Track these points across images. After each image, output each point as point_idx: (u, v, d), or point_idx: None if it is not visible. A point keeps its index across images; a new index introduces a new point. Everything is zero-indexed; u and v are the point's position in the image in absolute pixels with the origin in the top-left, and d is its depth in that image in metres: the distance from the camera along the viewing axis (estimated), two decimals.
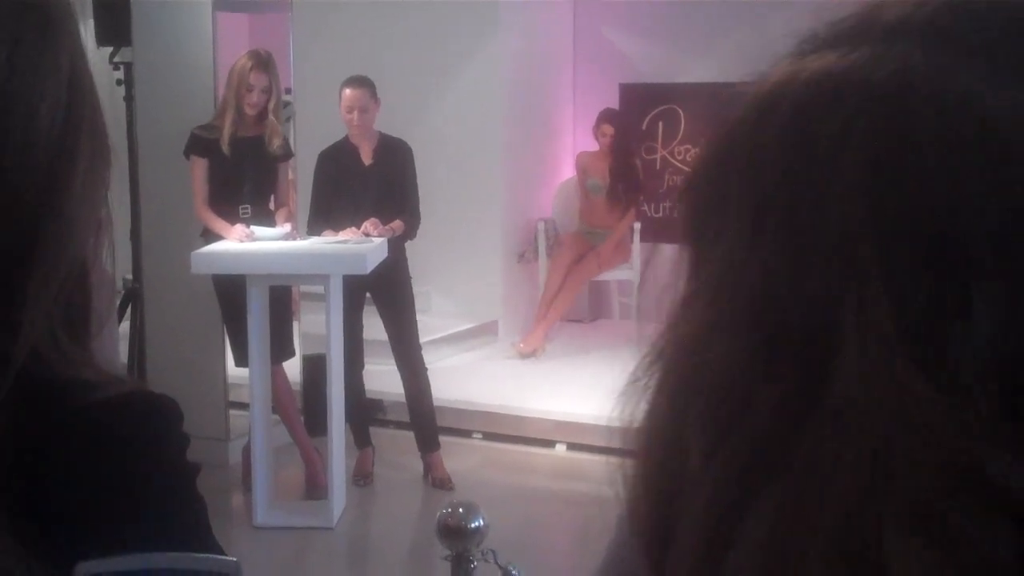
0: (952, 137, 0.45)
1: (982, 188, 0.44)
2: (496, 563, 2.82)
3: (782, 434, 0.46)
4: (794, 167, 0.47)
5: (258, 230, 5.33)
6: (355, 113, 5.61)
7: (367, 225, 5.52)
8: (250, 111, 5.37)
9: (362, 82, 5.65)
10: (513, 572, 2.81)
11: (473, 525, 2.71)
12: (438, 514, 2.72)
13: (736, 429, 0.47)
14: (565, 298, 7.87)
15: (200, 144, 5.39)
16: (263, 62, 5.39)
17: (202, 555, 0.66)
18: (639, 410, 0.53)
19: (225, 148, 5.33)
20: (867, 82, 0.47)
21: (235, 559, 0.66)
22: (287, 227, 5.49)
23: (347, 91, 5.64)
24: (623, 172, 7.94)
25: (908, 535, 0.43)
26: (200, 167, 5.40)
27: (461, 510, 2.73)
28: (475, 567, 2.77)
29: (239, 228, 5.30)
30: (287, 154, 5.65)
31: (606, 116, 8.03)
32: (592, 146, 8.20)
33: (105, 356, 0.76)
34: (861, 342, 0.45)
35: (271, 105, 5.41)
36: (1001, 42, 0.47)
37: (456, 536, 2.72)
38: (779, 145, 0.48)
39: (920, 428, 0.43)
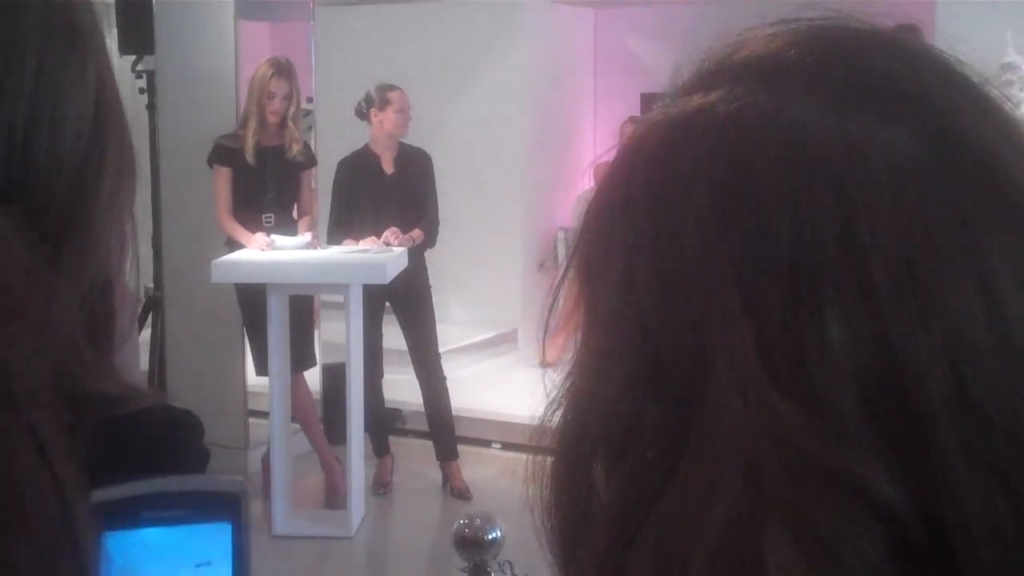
0: (786, 164, 0.49)
1: (816, 210, 0.47)
2: (513, 574, 2.81)
3: (668, 454, 0.49)
4: (656, 207, 0.51)
5: (279, 239, 5.35)
6: (408, 112, 5.67)
7: (387, 234, 5.53)
8: (272, 119, 5.38)
9: (400, 87, 5.72)
10: None
11: (490, 536, 2.70)
12: (455, 525, 2.72)
13: (628, 453, 0.51)
14: None
15: (223, 153, 5.40)
16: (283, 69, 5.41)
17: (208, 476, 0.67)
18: (551, 431, 0.57)
19: (249, 158, 5.34)
20: (713, 120, 0.51)
21: (240, 478, 0.66)
22: (308, 236, 5.50)
23: (397, 93, 5.68)
24: None
25: (784, 540, 0.46)
26: (223, 176, 5.42)
27: (478, 521, 2.73)
28: None
29: (260, 237, 5.32)
30: (310, 162, 5.66)
31: (631, 118, 8.04)
32: (599, 154, 8.19)
33: (125, 368, 0.76)
34: (727, 363, 0.48)
35: (291, 112, 5.42)
36: (827, 76, 0.51)
37: (473, 547, 2.71)
38: (646, 187, 0.52)
39: (786, 441, 0.46)
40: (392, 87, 5.73)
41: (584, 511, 0.54)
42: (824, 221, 0.47)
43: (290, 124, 5.43)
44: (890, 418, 0.46)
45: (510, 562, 2.83)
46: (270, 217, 5.44)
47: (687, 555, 0.48)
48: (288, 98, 5.39)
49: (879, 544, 0.45)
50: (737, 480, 0.47)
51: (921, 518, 0.45)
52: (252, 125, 5.32)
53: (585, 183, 8.68)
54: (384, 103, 5.67)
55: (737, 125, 0.50)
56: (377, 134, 5.72)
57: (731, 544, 0.47)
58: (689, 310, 0.49)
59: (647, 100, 8.61)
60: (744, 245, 0.48)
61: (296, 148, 5.47)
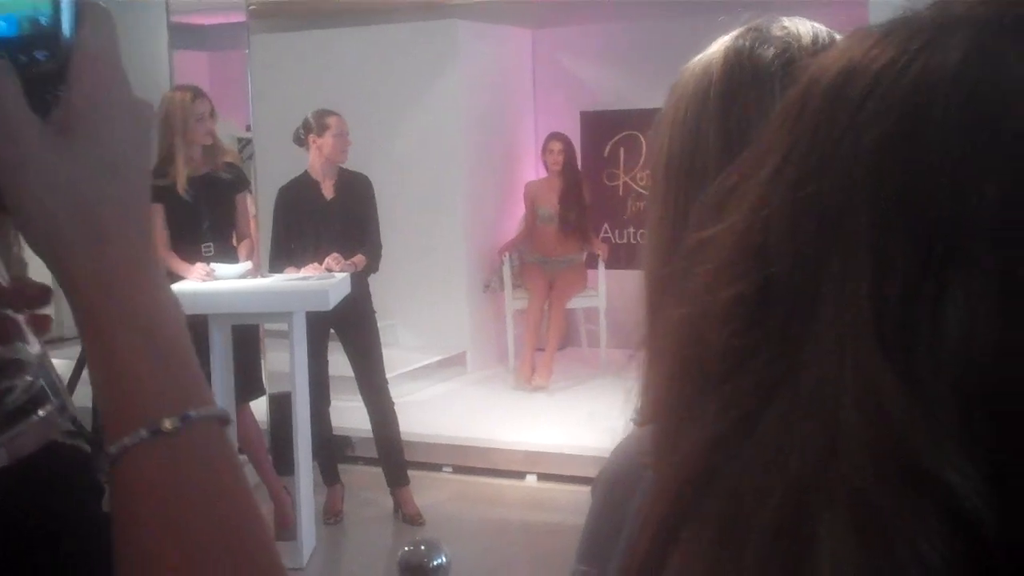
0: (969, 118, 0.45)
1: (990, 174, 0.44)
2: None
3: (762, 392, 0.46)
4: (820, 128, 0.48)
5: (219, 268, 5.29)
6: (346, 137, 5.66)
7: (329, 260, 5.50)
8: (207, 140, 5.33)
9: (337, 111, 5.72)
10: None
11: (435, 563, 2.66)
12: (399, 552, 2.68)
13: (726, 381, 0.48)
14: (557, 324, 7.85)
15: (152, 191, 5.32)
16: (196, 89, 5.39)
17: None
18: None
19: (183, 192, 5.27)
20: (899, 59, 0.47)
21: None
22: (248, 264, 5.45)
23: (335, 118, 5.67)
24: (573, 199, 7.95)
25: (844, 527, 0.43)
26: (156, 213, 5.35)
27: (423, 547, 2.68)
28: None
29: (199, 267, 5.26)
30: (242, 183, 5.60)
31: (553, 134, 8.07)
32: (541, 175, 8.22)
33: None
34: (836, 309, 0.45)
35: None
36: None
37: (418, 574, 2.67)
38: (820, 99, 0.49)
39: (878, 420, 0.43)
40: (330, 112, 5.71)
41: (679, 427, 0.51)
42: (990, 189, 0.43)
43: (215, 139, 5.40)
44: (997, 425, 0.42)
45: None
46: (209, 246, 5.38)
47: (749, 521, 0.45)
48: (212, 114, 5.35)
49: (949, 558, 0.42)
50: (813, 445, 0.44)
51: (1006, 541, 0.42)
52: (180, 158, 5.24)
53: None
54: (322, 128, 5.64)
55: (927, 68, 0.46)
56: (316, 160, 5.69)
57: (790, 518, 0.44)
58: (815, 240, 0.46)
59: (587, 118, 8.65)
60: (894, 192, 0.45)
61: (226, 159, 5.43)
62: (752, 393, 0.47)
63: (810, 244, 0.46)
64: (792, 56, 0.93)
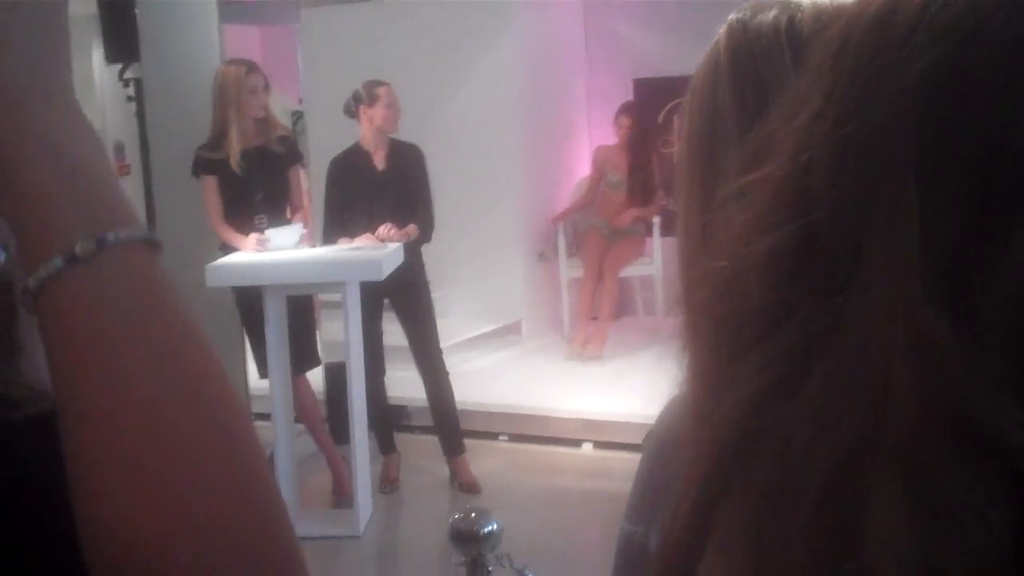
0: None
1: None
2: (512, 567, 2.78)
3: (807, 349, 0.44)
4: (862, 64, 0.45)
5: (271, 232, 5.32)
6: (397, 107, 5.67)
7: (382, 230, 5.51)
8: (260, 113, 5.37)
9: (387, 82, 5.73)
10: (528, 575, 2.77)
11: (486, 530, 2.67)
12: (450, 520, 2.69)
13: (768, 336, 0.45)
14: (611, 292, 7.83)
15: (206, 164, 5.39)
16: (250, 63, 5.43)
17: None
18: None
19: (235, 165, 5.32)
20: None
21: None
22: (299, 226, 5.48)
23: (385, 88, 5.68)
24: (641, 167, 7.93)
25: (896, 495, 0.41)
26: (211, 185, 5.41)
27: (474, 515, 2.70)
28: (491, 572, 2.73)
29: (252, 237, 5.30)
30: (295, 157, 5.64)
31: (623, 108, 8.05)
32: (610, 140, 8.18)
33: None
34: (882, 258, 0.42)
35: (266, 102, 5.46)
36: None
37: (470, 541, 2.68)
38: (862, 33, 0.46)
39: (930, 376, 0.40)
40: (380, 83, 5.71)
41: (716, 389, 0.49)
42: None
43: (268, 112, 5.44)
44: None
45: (508, 555, 2.79)
46: (262, 218, 5.43)
47: (795, 488, 0.43)
48: (266, 88, 5.38)
49: (1012, 518, 0.39)
50: (862, 405, 0.42)
51: None
52: (233, 132, 5.29)
53: (582, 170, 8.65)
54: (373, 99, 5.65)
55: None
56: (367, 131, 5.70)
57: (839, 483, 0.42)
58: (859, 183, 0.43)
59: (640, 85, 8.58)
60: (943, 131, 0.42)
61: (279, 132, 5.47)
62: (794, 351, 0.44)
63: (854, 187, 0.43)
64: (792, 13, 0.95)
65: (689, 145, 0.98)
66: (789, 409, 0.44)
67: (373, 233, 5.52)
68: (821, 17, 0.92)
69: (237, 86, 5.30)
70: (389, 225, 5.53)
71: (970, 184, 0.41)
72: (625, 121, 7.95)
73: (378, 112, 5.63)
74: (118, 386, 0.55)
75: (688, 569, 0.49)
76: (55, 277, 0.56)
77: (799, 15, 0.94)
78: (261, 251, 5.29)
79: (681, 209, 0.99)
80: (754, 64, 0.94)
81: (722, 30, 0.99)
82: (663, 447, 0.93)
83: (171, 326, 0.58)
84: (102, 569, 0.55)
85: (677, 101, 8.38)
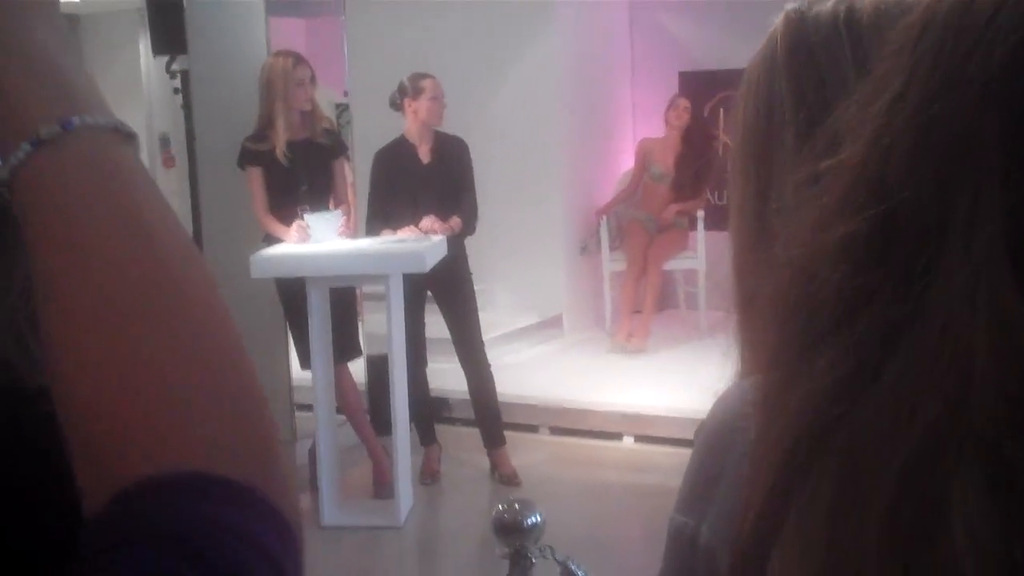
0: None
1: None
2: (555, 559, 2.78)
3: (886, 336, 0.43)
4: (945, 46, 0.44)
5: (310, 217, 5.33)
6: (441, 100, 5.66)
7: (425, 222, 5.52)
8: (306, 105, 5.40)
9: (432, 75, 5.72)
10: (572, 567, 2.77)
11: (530, 522, 2.66)
12: (494, 511, 2.69)
13: (844, 325, 0.45)
14: (654, 286, 7.80)
15: (252, 155, 5.42)
16: (298, 55, 5.45)
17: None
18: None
19: (282, 157, 5.35)
20: None
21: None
22: (338, 213, 5.50)
23: (430, 81, 5.68)
24: (690, 160, 7.87)
25: (977, 485, 0.40)
26: (256, 176, 5.44)
27: (517, 507, 2.70)
28: (534, 564, 2.73)
29: (294, 227, 5.33)
30: (340, 148, 5.67)
31: (679, 96, 8.02)
32: (655, 133, 8.14)
33: None
34: (965, 240, 0.41)
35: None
36: None
37: (512, 533, 2.68)
38: (945, 17, 0.45)
39: (1014, 365, 0.40)
40: (425, 75, 5.72)
41: (790, 377, 0.48)
42: None
43: (315, 105, 5.47)
44: None
45: (551, 547, 2.79)
46: (306, 209, 5.45)
47: (872, 480, 0.43)
48: (312, 81, 5.41)
49: None
50: (943, 395, 0.41)
51: None
52: (280, 123, 5.33)
53: (626, 164, 8.63)
54: (417, 92, 5.66)
55: None
56: (412, 124, 5.71)
57: (918, 476, 0.41)
58: (941, 167, 0.42)
59: (685, 79, 8.55)
60: None
61: (324, 125, 5.49)
62: (872, 339, 0.44)
63: (936, 171, 0.43)
64: (851, 3, 0.94)
65: (744, 136, 0.98)
66: (867, 397, 0.44)
67: (417, 225, 5.53)
68: (881, 7, 0.92)
69: (284, 78, 5.33)
70: (433, 217, 5.54)
71: None
72: (683, 102, 7.88)
73: (423, 105, 5.64)
74: (82, 258, 0.56)
75: (762, 558, 0.49)
76: (24, 163, 0.57)
77: (858, 5, 0.94)
78: (304, 241, 5.31)
79: (735, 200, 0.99)
80: (812, 55, 0.93)
81: (779, 21, 0.98)
82: (715, 439, 0.93)
83: (138, 204, 0.59)
84: (87, 466, 0.55)
85: (723, 95, 8.35)
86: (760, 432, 0.51)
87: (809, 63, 0.93)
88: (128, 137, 0.61)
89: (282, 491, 0.58)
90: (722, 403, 0.94)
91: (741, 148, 0.98)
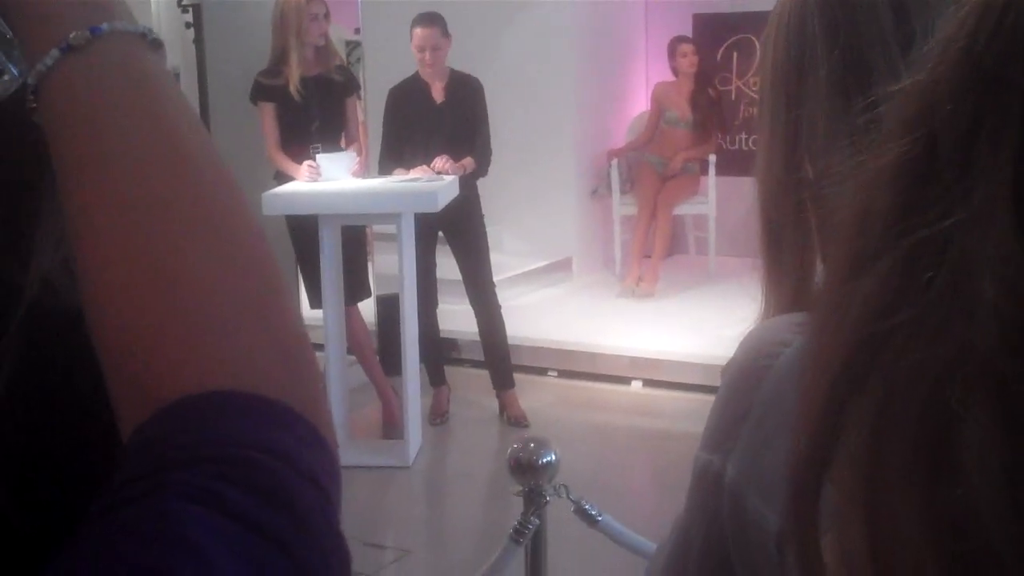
0: None
1: None
2: (569, 498, 2.79)
3: (927, 256, 0.44)
4: None
5: (322, 158, 5.31)
6: (426, 52, 5.56)
7: (438, 162, 5.49)
8: (320, 40, 5.36)
9: (432, 20, 5.59)
10: (586, 507, 2.78)
11: (544, 460, 2.68)
12: (509, 450, 2.70)
13: (892, 244, 0.46)
14: (664, 230, 7.77)
15: (265, 90, 5.39)
16: None
17: None
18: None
19: (294, 92, 5.32)
20: None
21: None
22: (352, 153, 5.47)
23: (417, 30, 5.58)
24: (703, 102, 7.82)
25: (988, 416, 0.41)
26: (269, 112, 5.41)
27: (532, 445, 2.71)
28: (548, 502, 2.74)
29: (305, 165, 5.30)
30: (353, 86, 5.63)
31: (682, 38, 7.92)
32: (668, 77, 8.07)
33: None
34: (984, 178, 0.42)
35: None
36: None
37: (528, 471, 2.69)
38: None
39: (1011, 298, 0.41)
40: (416, 23, 5.63)
41: (850, 288, 0.49)
42: None
43: (328, 40, 5.43)
44: None
45: (565, 486, 2.81)
46: (318, 147, 5.43)
47: (906, 404, 0.43)
48: (326, 16, 5.36)
49: None
50: (959, 324, 0.42)
51: None
52: (294, 58, 5.29)
53: (639, 107, 8.57)
54: (411, 37, 5.61)
55: None
56: None
57: (939, 402, 0.42)
58: (971, 100, 0.44)
59: (700, 21, 8.46)
60: None
61: (337, 63, 5.46)
62: (920, 253, 0.44)
63: (971, 97, 0.44)
64: None
65: (775, 76, 0.98)
66: (909, 315, 0.44)
67: (429, 164, 5.50)
68: None
69: (298, 13, 5.28)
70: (445, 157, 5.50)
71: None
72: (688, 48, 7.79)
73: (413, 51, 5.60)
74: (110, 164, 0.56)
75: (817, 479, 0.49)
76: (53, 68, 0.57)
77: None
78: (316, 179, 5.28)
79: (764, 139, 1.00)
80: None
81: None
82: (741, 377, 0.92)
83: (167, 110, 0.58)
84: (124, 389, 0.54)
85: (738, 37, 8.27)
86: (813, 352, 0.51)
87: (843, 4, 0.93)
88: (156, 44, 0.61)
89: (327, 418, 0.56)
90: (749, 341, 0.94)
91: (771, 88, 0.99)
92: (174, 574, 0.44)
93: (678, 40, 7.93)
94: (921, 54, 0.49)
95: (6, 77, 0.58)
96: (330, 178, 5.31)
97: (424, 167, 5.50)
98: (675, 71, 7.92)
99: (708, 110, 7.86)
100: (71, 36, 0.57)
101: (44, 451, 0.64)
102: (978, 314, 0.41)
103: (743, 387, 0.91)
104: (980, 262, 0.42)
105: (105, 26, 0.58)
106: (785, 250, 0.98)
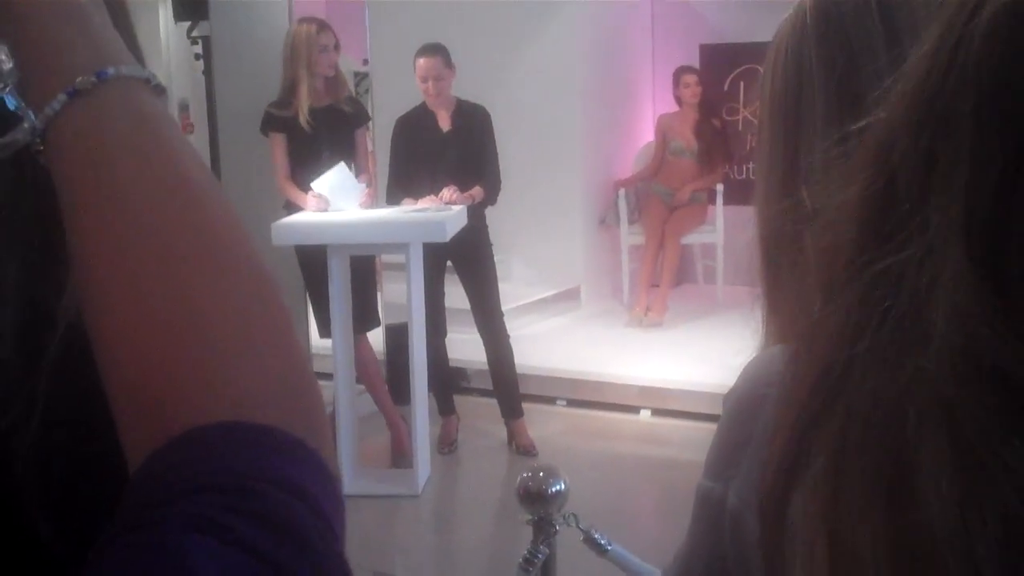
0: None
1: None
2: (578, 527, 2.79)
3: (893, 276, 0.46)
4: (947, 30, 0.47)
5: (323, 178, 5.29)
6: (430, 83, 5.58)
7: (446, 192, 5.50)
8: (329, 71, 5.40)
9: (435, 50, 5.61)
10: (595, 536, 2.77)
11: (554, 489, 2.67)
12: (518, 478, 2.69)
13: (861, 266, 0.47)
14: (672, 259, 7.78)
15: (276, 121, 5.42)
16: (321, 22, 5.45)
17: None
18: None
19: (304, 123, 5.35)
20: None
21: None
22: (362, 187, 5.47)
23: (420, 60, 5.60)
24: (708, 132, 7.84)
25: (939, 441, 0.42)
26: (279, 142, 5.44)
27: (542, 474, 2.70)
28: (557, 531, 2.73)
29: (310, 196, 5.32)
30: (363, 117, 5.65)
31: (686, 68, 7.95)
32: (673, 108, 8.09)
33: None
34: (937, 208, 0.43)
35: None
36: None
37: (537, 500, 2.69)
38: (947, 8, 0.48)
39: (960, 324, 0.42)
40: (419, 53, 5.65)
41: (819, 319, 0.50)
42: None
43: (338, 71, 5.46)
44: None
45: (575, 515, 2.80)
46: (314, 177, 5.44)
47: (865, 433, 0.45)
48: (336, 47, 5.40)
49: None
50: (914, 356, 0.43)
51: None
52: (304, 89, 5.32)
53: (646, 136, 8.59)
54: (415, 68, 5.64)
55: None
56: None
57: (896, 434, 0.43)
58: (926, 135, 0.45)
59: (706, 51, 8.49)
60: (997, 78, 0.43)
61: (347, 94, 5.49)
62: (881, 284, 0.46)
63: (923, 136, 0.45)
64: None
65: (773, 104, 1.00)
66: (865, 346, 0.45)
67: (437, 194, 5.52)
68: None
69: (308, 44, 5.32)
70: (453, 188, 5.52)
71: (1012, 139, 0.42)
72: (691, 79, 7.82)
73: (417, 82, 5.62)
74: (116, 204, 0.57)
75: (783, 501, 0.50)
76: (60, 113, 0.59)
77: None
78: (322, 210, 5.30)
79: (763, 168, 1.01)
80: (842, 24, 0.95)
81: None
82: (742, 406, 0.93)
83: (172, 152, 0.60)
84: (130, 419, 0.55)
85: (744, 67, 8.30)
86: (784, 381, 0.52)
87: (839, 32, 0.95)
88: (159, 89, 0.62)
89: (329, 447, 0.57)
90: (750, 370, 0.95)
91: (770, 116, 1.00)
92: None
93: (682, 70, 7.96)
94: (883, 91, 0.50)
95: (26, 124, 0.59)
96: (336, 193, 5.32)
97: (432, 197, 5.51)
98: (679, 101, 7.96)
99: (713, 140, 7.88)
100: (77, 81, 0.59)
101: (83, 477, 0.65)
102: (931, 342, 0.42)
103: (744, 416, 0.92)
104: (934, 292, 0.43)
105: (111, 71, 0.59)
106: (784, 279, 0.99)
